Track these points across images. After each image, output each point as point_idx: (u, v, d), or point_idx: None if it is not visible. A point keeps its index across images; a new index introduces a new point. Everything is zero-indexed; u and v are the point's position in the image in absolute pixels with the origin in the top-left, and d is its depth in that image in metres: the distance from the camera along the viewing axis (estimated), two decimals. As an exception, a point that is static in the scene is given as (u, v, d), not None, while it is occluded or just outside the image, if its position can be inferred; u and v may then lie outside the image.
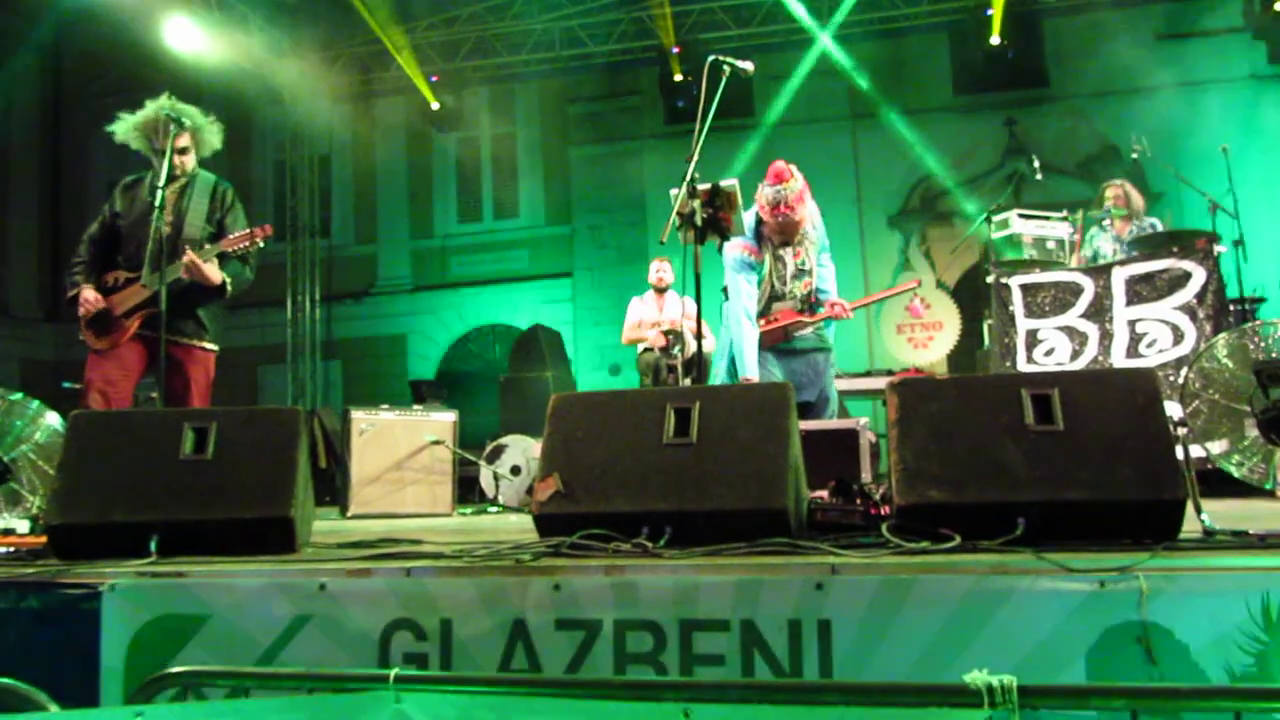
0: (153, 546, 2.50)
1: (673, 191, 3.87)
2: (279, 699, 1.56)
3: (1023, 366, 5.30)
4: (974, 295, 10.00)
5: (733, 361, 4.68)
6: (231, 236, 4.23)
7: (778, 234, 4.66)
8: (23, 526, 3.23)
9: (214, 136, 4.42)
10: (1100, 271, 5.39)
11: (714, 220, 3.91)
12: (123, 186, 4.43)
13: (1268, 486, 3.25)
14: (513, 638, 2.06)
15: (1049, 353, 5.30)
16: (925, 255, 12.02)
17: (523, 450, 6.49)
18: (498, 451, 6.58)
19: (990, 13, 10.39)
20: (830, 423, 4.53)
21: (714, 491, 2.37)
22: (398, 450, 5.75)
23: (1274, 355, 3.13)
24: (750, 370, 4.55)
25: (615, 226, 12.89)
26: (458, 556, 2.35)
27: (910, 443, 2.31)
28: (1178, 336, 4.95)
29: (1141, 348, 5.02)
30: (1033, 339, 5.39)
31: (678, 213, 3.84)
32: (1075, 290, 5.38)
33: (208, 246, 4.19)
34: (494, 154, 13.93)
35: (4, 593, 2.32)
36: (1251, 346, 3.20)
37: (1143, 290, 5.16)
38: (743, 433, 2.45)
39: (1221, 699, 1.40)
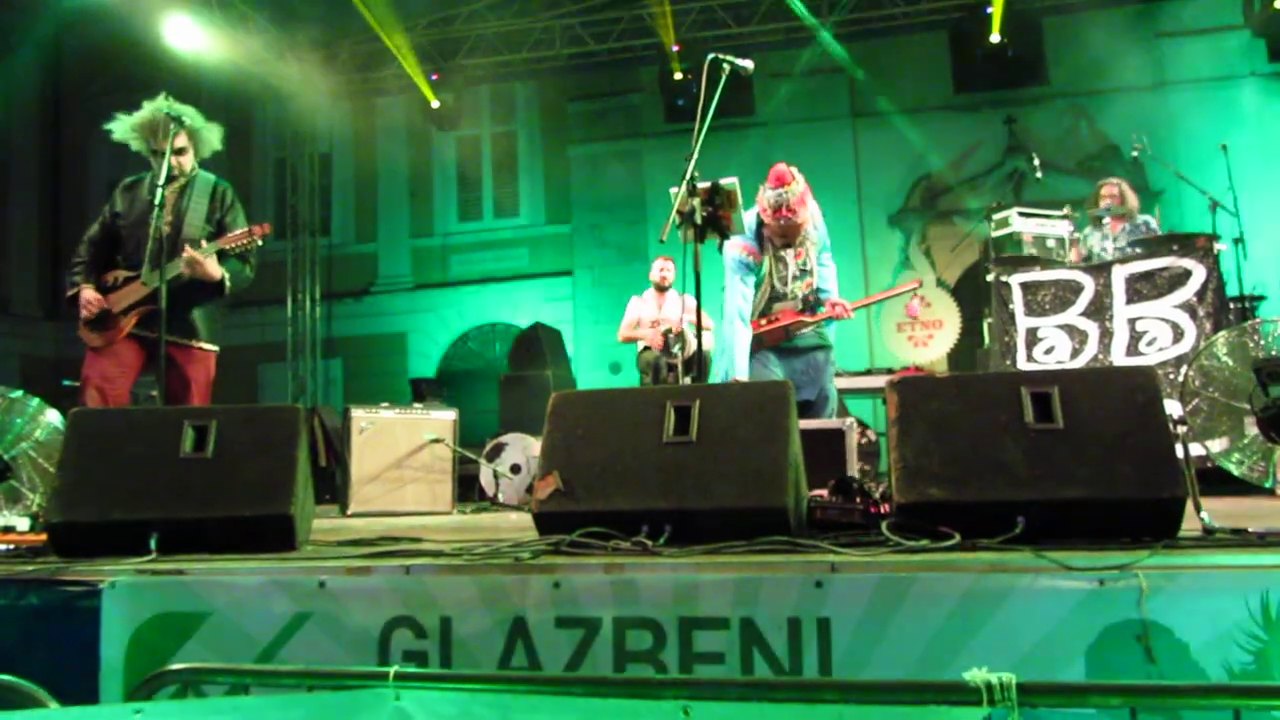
0: (153, 544, 2.50)
1: (673, 190, 3.87)
2: (278, 696, 1.56)
3: (1023, 365, 5.31)
4: (974, 294, 9.98)
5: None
6: (230, 235, 4.23)
7: (779, 236, 4.67)
8: (23, 524, 3.23)
9: (213, 136, 4.42)
10: (1100, 270, 5.39)
11: (714, 219, 3.91)
12: (123, 187, 4.44)
13: (1267, 485, 3.26)
14: (512, 635, 2.06)
15: (1049, 351, 5.30)
16: (925, 254, 12.02)
17: (523, 448, 6.48)
18: (498, 450, 6.57)
19: (990, 10, 10.37)
20: (817, 422, 4.54)
21: (714, 490, 2.37)
22: (398, 448, 5.75)
23: (1274, 353, 3.13)
24: (740, 372, 4.57)
25: (615, 225, 12.88)
26: (457, 554, 2.35)
27: (910, 441, 2.31)
28: (1178, 334, 4.95)
29: (1141, 346, 5.02)
30: (1033, 337, 5.40)
31: (678, 211, 3.84)
32: (1075, 288, 5.38)
33: (205, 244, 4.19)
34: (494, 152, 13.92)
35: (4, 590, 2.33)
36: (1251, 344, 3.21)
37: (1143, 288, 5.17)
38: (743, 431, 2.45)
39: (1220, 697, 1.40)
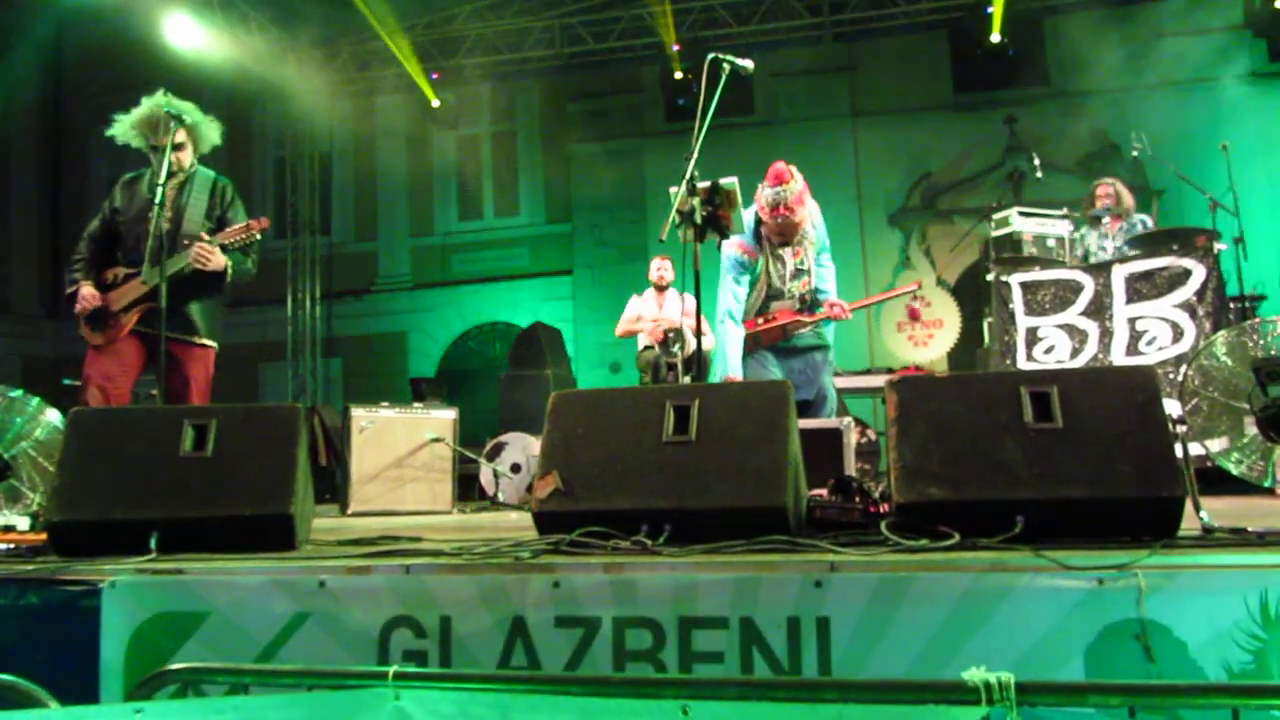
0: (152, 543, 2.50)
1: (672, 189, 3.87)
2: (278, 696, 1.56)
3: (1022, 364, 5.31)
4: (974, 293, 9.99)
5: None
6: (228, 229, 4.25)
7: (777, 234, 4.67)
8: (23, 523, 3.24)
9: (212, 132, 4.42)
10: (1100, 269, 5.40)
11: (713, 218, 3.91)
12: (123, 183, 4.44)
13: (1266, 484, 3.26)
14: (512, 635, 2.06)
15: (1049, 350, 5.31)
16: (925, 253, 12.01)
17: (523, 448, 6.49)
18: (498, 449, 6.58)
19: (990, 10, 10.38)
20: (815, 421, 4.53)
21: (713, 489, 2.37)
22: (398, 448, 5.76)
23: (1273, 353, 3.13)
24: (734, 370, 4.58)
25: (615, 224, 12.88)
26: (457, 554, 2.35)
27: (910, 440, 2.31)
28: (1177, 334, 4.95)
29: (1141, 345, 5.02)
30: (1033, 337, 5.40)
31: (677, 210, 3.84)
32: (1075, 288, 5.38)
33: (205, 237, 4.20)
34: (494, 152, 13.92)
35: (4, 589, 2.33)
36: (1251, 344, 3.21)
37: (1143, 288, 5.17)
38: (742, 430, 2.45)
39: (1219, 696, 1.40)
